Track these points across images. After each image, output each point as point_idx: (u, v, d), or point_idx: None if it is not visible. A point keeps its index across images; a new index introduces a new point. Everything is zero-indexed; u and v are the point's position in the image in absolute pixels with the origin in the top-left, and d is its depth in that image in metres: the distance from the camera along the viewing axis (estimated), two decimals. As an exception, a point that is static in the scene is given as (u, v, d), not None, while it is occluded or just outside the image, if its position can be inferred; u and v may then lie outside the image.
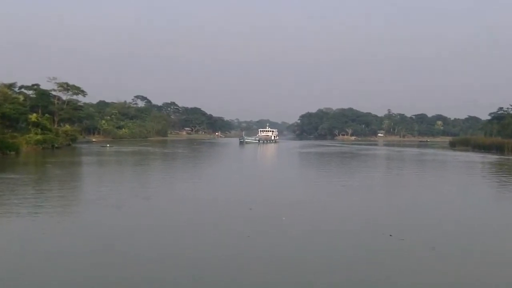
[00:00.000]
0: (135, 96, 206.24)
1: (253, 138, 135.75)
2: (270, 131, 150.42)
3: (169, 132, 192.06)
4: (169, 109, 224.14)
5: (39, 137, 71.01)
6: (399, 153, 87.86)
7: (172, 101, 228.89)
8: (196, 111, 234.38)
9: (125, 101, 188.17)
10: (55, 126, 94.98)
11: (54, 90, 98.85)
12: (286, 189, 30.57)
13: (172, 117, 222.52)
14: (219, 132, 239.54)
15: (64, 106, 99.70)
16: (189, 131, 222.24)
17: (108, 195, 25.98)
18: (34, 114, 75.43)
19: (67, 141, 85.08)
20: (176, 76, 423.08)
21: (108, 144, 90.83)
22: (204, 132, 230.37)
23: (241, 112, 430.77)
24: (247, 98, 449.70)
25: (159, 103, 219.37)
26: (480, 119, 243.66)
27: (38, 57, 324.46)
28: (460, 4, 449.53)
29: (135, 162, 54.59)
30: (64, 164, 47.33)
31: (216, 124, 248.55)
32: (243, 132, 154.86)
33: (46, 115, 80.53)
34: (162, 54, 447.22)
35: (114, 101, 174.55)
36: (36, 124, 73.50)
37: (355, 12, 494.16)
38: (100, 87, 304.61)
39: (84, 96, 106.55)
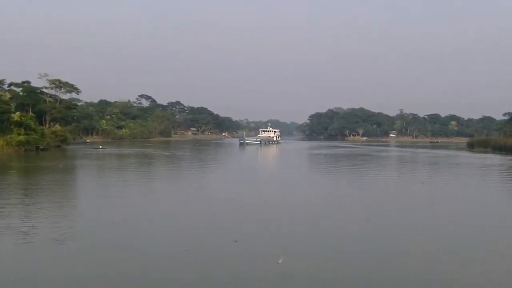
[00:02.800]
0: (139, 95, 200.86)
1: (254, 139, 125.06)
2: (272, 131, 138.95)
3: (173, 132, 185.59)
4: (174, 108, 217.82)
5: (21, 137, 64.62)
6: (417, 156, 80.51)
7: (178, 100, 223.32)
8: (202, 110, 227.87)
9: (128, 100, 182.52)
10: (47, 126, 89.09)
11: (46, 87, 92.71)
12: (287, 209, 22.96)
13: (177, 117, 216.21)
14: (226, 132, 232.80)
15: (57, 105, 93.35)
16: (195, 131, 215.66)
17: (49, 220, 19.33)
18: (17, 113, 69.03)
19: (56, 142, 78.68)
20: (184, 76, 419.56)
21: (101, 145, 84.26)
22: (211, 132, 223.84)
23: (251, 112, 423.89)
24: (257, 98, 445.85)
25: (165, 103, 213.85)
26: (495, 119, 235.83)
27: (40, 56, 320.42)
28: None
29: (117, 168, 47.85)
30: (32, 170, 40.85)
31: (223, 124, 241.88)
32: (244, 133, 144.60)
33: (31, 113, 73.92)
34: (169, 53, 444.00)
35: (118, 100, 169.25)
36: (19, 124, 67.02)
37: (367, 8, 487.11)
38: (105, 87, 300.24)
39: (78, 94, 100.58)
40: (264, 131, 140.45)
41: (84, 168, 44.69)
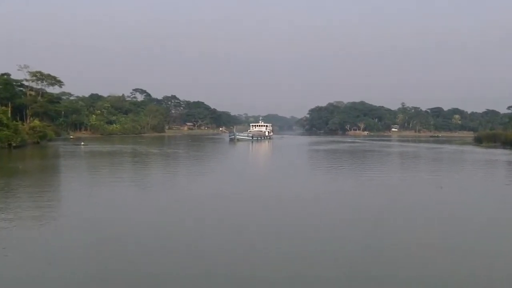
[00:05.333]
0: (133, 90, 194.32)
1: (246, 135, 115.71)
2: (264, 125, 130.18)
3: (168, 127, 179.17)
4: (169, 103, 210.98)
5: (-11, 134, 58.72)
6: (427, 152, 74.30)
7: (173, 94, 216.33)
8: (199, 105, 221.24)
9: (122, 95, 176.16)
10: (27, 121, 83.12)
11: (27, 80, 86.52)
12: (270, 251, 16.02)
13: (173, 111, 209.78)
14: (223, 127, 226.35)
15: (39, 99, 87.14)
16: (191, 126, 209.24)
17: None
18: (-14, 107, 63.02)
19: (35, 139, 72.77)
20: (183, 71, 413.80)
21: (83, 142, 78.07)
22: (208, 127, 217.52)
23: (250, 107, 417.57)
24: (256, 93, 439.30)
25: (160, 97, 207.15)
26: (499, 113, 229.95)
27: (36, 53, 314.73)
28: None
29: (87, 170, 41.80)
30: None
31: (220, 119, 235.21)
32: (234, 128, 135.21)
33: (3, 108, 67.71)
34: (169, 49, 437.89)
35: (111, 94, 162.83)
36: (-11, 119, 61.04)
37: (368, 3, 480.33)
38: (99, 81, 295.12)
39: (61, 87, 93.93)
40: (255, 125, 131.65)
41: (46, 171, 38.69)
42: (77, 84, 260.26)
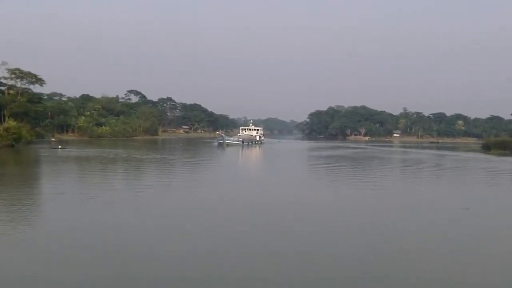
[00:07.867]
0: (128, 91, 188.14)
1: (236, 139, 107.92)
2: (254, 129, 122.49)
3: (163, 130, 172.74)
4: (165, 105, 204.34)
5: (-50, 136, 52.65)
6: (437, 160, 68.35)
7: (169, 96, 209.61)
8: (195, 107, 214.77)
9: (116, 96, 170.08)
10: (4, 122, 77.04)
11: (5, 78, 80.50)
12: None
13: (169, 114, 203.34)
14: (221, 130, 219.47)
15: (18, 98, 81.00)
16: (187, 129, 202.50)
17: None
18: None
19: (8, 141, 66.75)
20: (182, 74, 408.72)
21: (60, 145, 71.98)
22: (204, 130, 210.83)
23: (250, 110, 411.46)
24: (256, 97, 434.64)
25: (155, 99, 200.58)
26: (503, 119, 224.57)
27: (35, 53, 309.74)
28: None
29: (44, 181, 35.70)
30: None
31: (218, 122, 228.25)
32: (223, 131, 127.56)
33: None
34: (167, 52, 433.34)
35: (104, 95, 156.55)
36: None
37: (370, 6, 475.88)
38: (95, 82, 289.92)
39: (42, 85, 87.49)
40: (245, 129, 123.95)
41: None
42: (73, 84, 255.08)
